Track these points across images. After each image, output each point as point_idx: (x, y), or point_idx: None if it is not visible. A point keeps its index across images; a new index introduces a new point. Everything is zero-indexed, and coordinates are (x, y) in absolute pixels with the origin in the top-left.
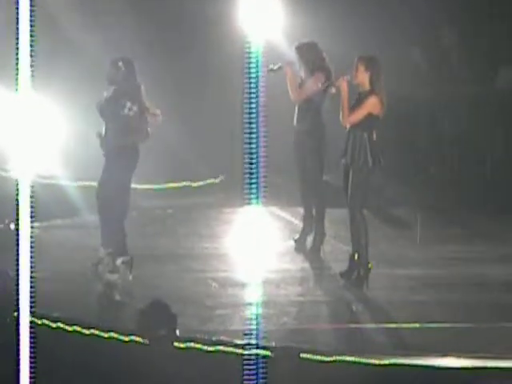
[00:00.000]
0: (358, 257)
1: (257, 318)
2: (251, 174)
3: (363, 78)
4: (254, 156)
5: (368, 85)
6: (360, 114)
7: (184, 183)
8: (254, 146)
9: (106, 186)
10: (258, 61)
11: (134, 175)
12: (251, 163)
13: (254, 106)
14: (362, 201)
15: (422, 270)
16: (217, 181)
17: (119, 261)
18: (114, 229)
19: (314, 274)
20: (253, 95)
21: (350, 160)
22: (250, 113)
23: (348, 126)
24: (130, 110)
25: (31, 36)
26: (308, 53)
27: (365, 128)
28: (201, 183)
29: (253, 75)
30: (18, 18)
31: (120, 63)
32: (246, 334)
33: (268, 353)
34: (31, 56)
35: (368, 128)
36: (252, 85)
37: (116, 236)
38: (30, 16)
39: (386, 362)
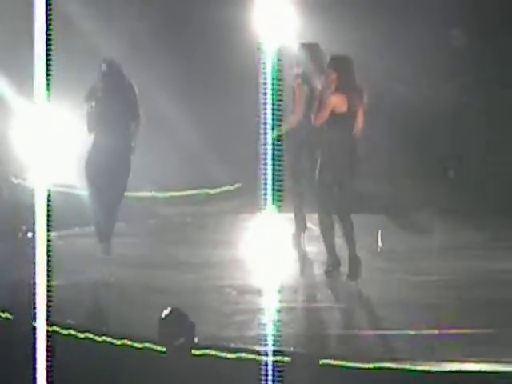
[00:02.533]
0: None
1: (274, 324)
2: (267, 179)
3: (332, 77)
4: (271, 162)
5: (335, 83)
6: (325, 113)
7: (202, 190)
8: (269, 151)
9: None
10: (272, 66)
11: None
12: (267, 169)
13: (269, 111)
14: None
15: (440, 276)
16: (233, 187)
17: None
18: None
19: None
20: (268, 101)
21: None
22: (266, 118)
23: (318, 125)
24: None
25: (47, 45)
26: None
27: (331, 126)
28: (218, 190)
29: (267, 80)
30: (33, 27)
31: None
32: (263, 340)
33: (286, 359)
34: (48, 65)
35: (336, 126)
36: (267, 90)
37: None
38: (47, 25)
39: (405, 367)
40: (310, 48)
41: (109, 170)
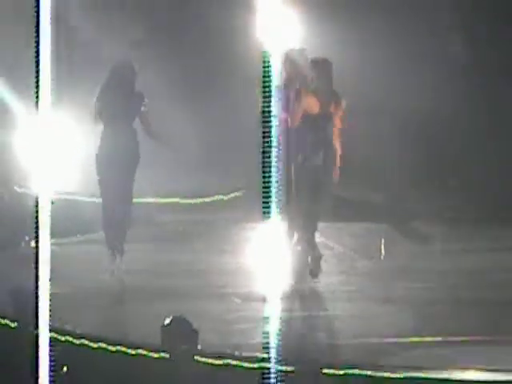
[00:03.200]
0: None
1: (278, 333)
2: (269, 188)
3: (308, 79)
4: (273, 170)
5: (312, 85)
6: (298, 114)
7: (210, 198)
8: (271, 159)
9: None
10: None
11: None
12: (269, 178)
13: (272, 120)
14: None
15: (441, 283)
16: (236, 195)
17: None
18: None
19: (335, 288)
20: (270, 109)
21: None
22: (268, 127)
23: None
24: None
25: (51, 52)
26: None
27: (306, 128)
28: (221, 197)
29: (270, 88)
30: (37, 33)
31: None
32: (265, 348)
33: (289, 367)
34: (51, 72)
35: (310, 128)
36: (269, 98)
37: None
38: (51, 32)
39: (407, 376)
40: (295, 53)
41: (117, 169)
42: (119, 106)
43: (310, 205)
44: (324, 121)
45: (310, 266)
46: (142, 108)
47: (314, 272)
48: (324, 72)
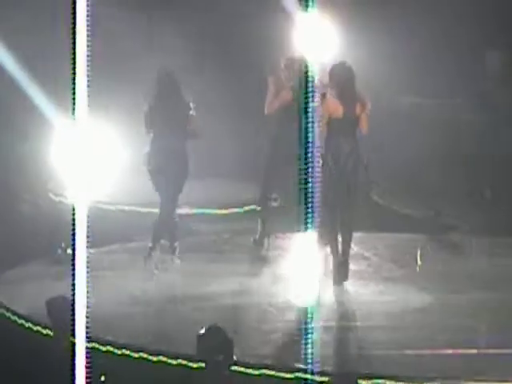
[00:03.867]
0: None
1: (313, 343)
2: (306, 199)
3: (332, 84)
4: (309, 181)
5: (334, 91)
6: (324, 118)
7: (246, 208)
8: (308, 170)
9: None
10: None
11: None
12: (306, 188)
13: (309, 130)
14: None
15: (478, 295)
16: (273, 206)
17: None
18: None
19: (373, 299)
20: (308, 120)
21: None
22: (306, 138)
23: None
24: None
25: (88, 62)
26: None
27: (334, 132)
28: (256, 207)
29: (309, 99)
30: (74, 44)
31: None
32: (302, 359)
33: (325, 378)
34: (88, 81)
35: (334, 130)
36: (307, 109)
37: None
38: (87, 41)
39: None
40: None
41: (171, 176)
42: (171, 113)
43: (339, 210)
44: (349, 124)
45: (332, 272)
46: (190, 112)
47: (337, 279)
48: (344, 75)
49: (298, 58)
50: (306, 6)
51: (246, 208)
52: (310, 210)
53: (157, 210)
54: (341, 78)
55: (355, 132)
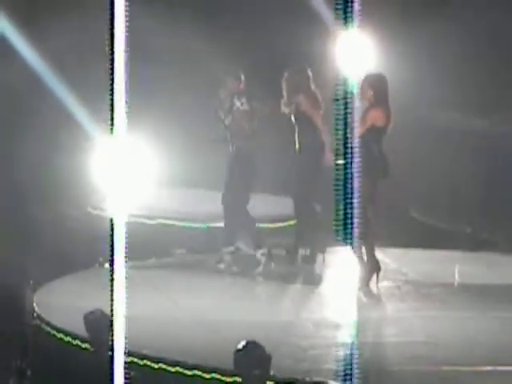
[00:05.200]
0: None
1: (351, 359)
2: (345, 213)
3: (367, 94)
4: (348, 195)
5: (372, 100)
6: (363, 127)
7: (285, 223)
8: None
9: (229, 188)
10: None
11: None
12: (345, 203)
13: (348, 144)
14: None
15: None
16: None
17: (259, 253)
18: (246, 226)
19: (410, 315)
20: (347, 134)
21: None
22: (345, 151)
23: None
24: (242, 105)
25: (126, 75)
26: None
27: (371, 139)
28: (280, 224)
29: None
30: (112, 58)
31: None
32: (339, 375)
33: None
34: (126, 98)
35: (374, 139)
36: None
37: (251, 231)
38: (125, 54)
39: None
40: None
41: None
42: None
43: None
44: (381, 134)
45: (359, 280)
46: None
47: (361, 287)
48: (383, 86)
49: (301, 71)
50: (344, 20)
51: (290, 222)
52: (349, 223)
53: (195, 225)
54: (379, 87)
55: (383, 142)
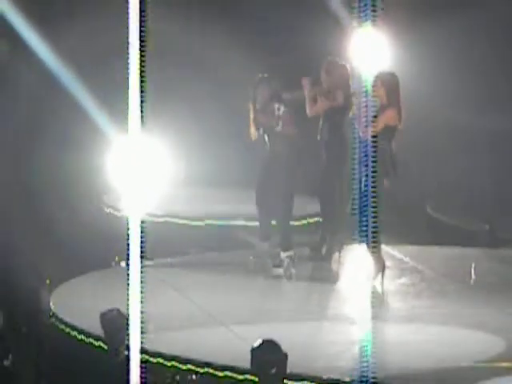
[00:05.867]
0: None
1: (367, 356)
2: (362, 212)
3: (380, 92)
4: (365, 194)
5: (385, 99)
6: (378, 126)
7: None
8: (364, 184)
9: (266, 189)
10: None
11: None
12: (361, 202)
13: (363, 144)
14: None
15: None
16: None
17: (284, 255)
18: (283, 226)
19: (425, 312)
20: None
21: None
22: (361, 151)
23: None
24: (279, 109)
25: (141, 77)
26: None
27: (384, 138)
28: (306, 221)
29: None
30: (128, 59)
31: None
32: (355, 372)
33: None
34: (141, 96)
35: (387, 138)
36: (363, 123)
37: (284, 232)
38: (141, 56)
39: None
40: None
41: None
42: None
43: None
44: (393, 133)
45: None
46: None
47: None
48: (395, 85)
49: (340, 64)
50: (360, 19)
51: (311, 220)
52: (366, 221)
53: (211, 222)
54: (391, 86)
55: (393, 141)
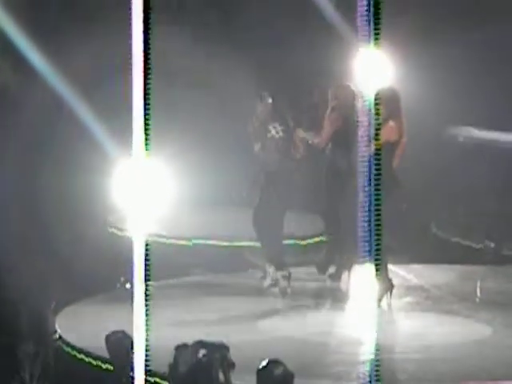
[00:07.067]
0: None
1: (372, 376)
2: (366, 231)
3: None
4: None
5: (385, 114)
6: (379, 141)
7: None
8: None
9: (261, 212)
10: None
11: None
12: (366, 221)
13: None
14: None
15: None
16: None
17: (279, 275)
18: (272, 247)
19: (431, 331)
20: (365, 154)
21: None
22: (364, 171)
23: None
24: (277, 132)
25: (146, 97)
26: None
27: (384, 154)
28: (309, 241)
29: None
30: (132, 80)
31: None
32: None
33: None
34: (146, 117)
35: (387, 154)
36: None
37: (274, 253)
38: (145, 76)
39: None
40: (343, 88)
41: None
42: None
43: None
44: (394, 149)
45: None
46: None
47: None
48: (395, 101)
49: (346, 87)
50: (365, 38)
51: (316, 239)
52: (370, 240)
53: (213, 242)
54: (391, 102)
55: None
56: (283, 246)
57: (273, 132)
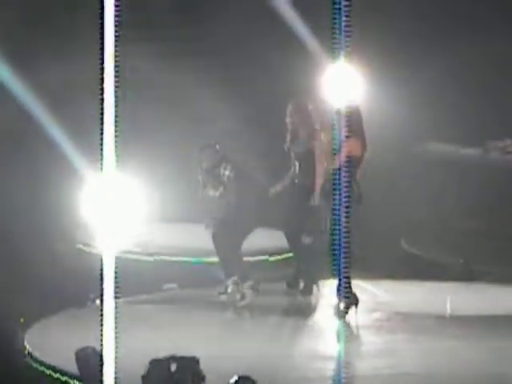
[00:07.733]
0: None
1: None
2: (336, 246)
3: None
4: (338, 229)
5: (347, 130)
6: (342, 157)
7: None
8: (336, 219)
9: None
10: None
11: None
12: (335, 236)
13: (337, 180)
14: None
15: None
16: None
17: (246, 286)
18: (235, 261)
19: (401, 347)
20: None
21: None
22: (335, 187)
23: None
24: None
25: (115, 112)
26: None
27: (348, 168)
28: (279, 257)
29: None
30: (102, 96)
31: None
32: None
33: None
34: (115, 134)
35: (350, 168)
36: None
37: (238, 266)
38: (115, 91)
39: None
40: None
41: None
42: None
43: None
44: (357, 163)
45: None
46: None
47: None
48: (357, 117)
49: (302, 104)
50: (334, 55)
51: (285, 255)
52: (338, 256)
53: (184, 259)
54: (353, 118)
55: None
56: (240, 258)
57: (226, 173)
